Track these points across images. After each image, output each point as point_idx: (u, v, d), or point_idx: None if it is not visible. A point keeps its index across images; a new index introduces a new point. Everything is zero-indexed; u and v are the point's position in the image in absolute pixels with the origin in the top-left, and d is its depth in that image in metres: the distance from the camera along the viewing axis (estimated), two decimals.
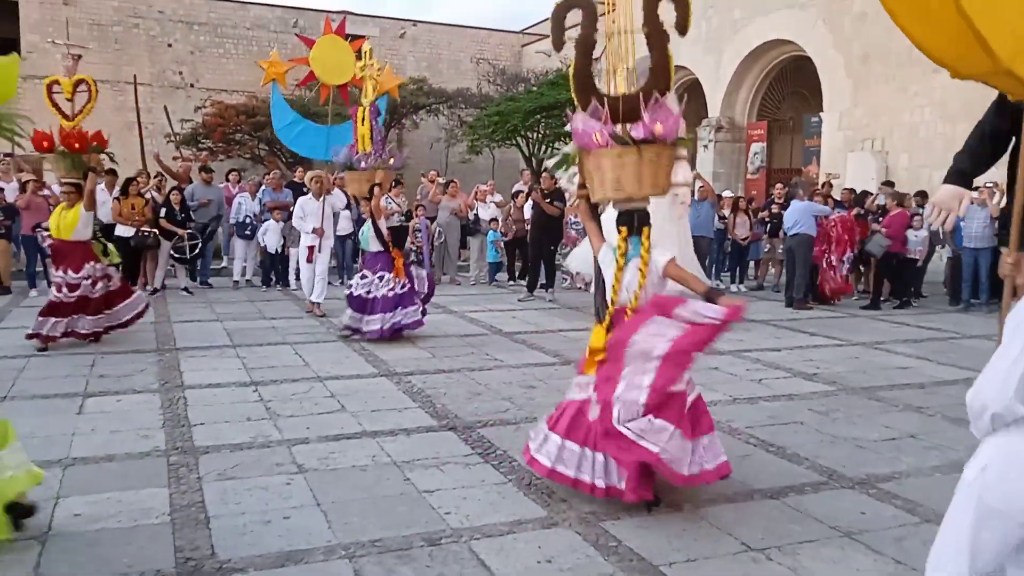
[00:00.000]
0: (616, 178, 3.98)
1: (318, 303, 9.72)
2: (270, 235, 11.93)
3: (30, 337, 7.44)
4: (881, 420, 5.65)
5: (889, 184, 13.35)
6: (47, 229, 8.12)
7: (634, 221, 4.08)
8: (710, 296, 4.01)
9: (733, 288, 12.96)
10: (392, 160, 8.49)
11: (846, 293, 11.95)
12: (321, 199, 9.75)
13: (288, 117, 9.27)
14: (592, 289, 4.45)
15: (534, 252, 11.79)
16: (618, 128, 3.94)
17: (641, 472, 3.76)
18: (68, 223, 7.52)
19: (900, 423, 5.58)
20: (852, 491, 4.28)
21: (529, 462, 4.13)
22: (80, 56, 8.05)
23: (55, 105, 7.64)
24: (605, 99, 4.02)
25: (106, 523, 3.66)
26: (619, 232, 4.11)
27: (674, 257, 4.18)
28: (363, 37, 10.02)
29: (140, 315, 8.08)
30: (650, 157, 3.93)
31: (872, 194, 13.15)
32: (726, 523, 3.80)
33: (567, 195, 12.89)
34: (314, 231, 9.66)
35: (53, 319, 7.44)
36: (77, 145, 7.42)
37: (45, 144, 7.40)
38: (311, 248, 9.73)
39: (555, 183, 11.77)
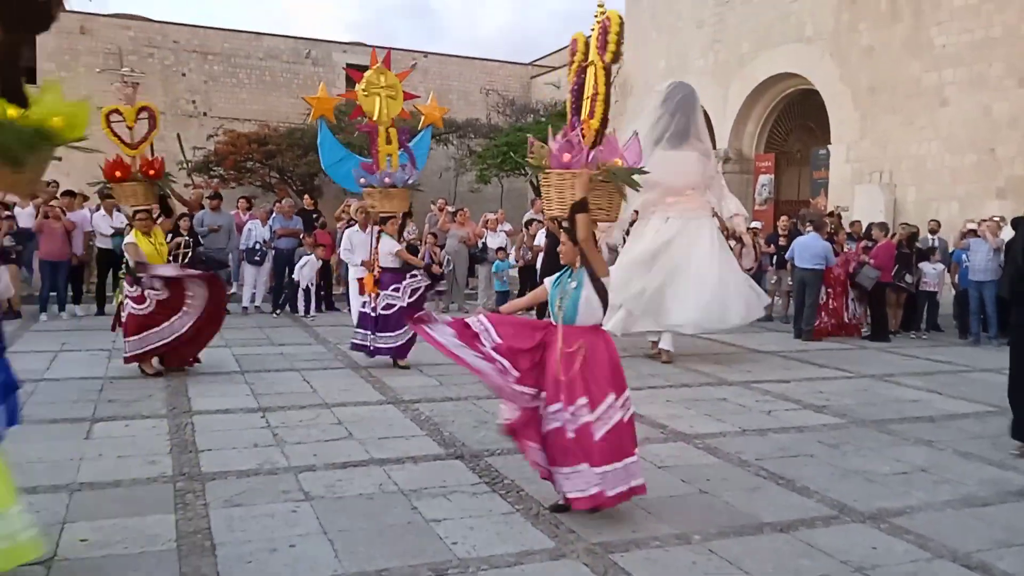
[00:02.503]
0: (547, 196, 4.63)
1: None
2: (307, 269, 11.99)
3: (128, 361, 7.45)
4: (891, 453, 5.60)
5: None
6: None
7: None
8: None
9: None
10: (387, 179, 8.41)
11: (852, 334, 11.78)
12: (368, 230, 9.36)
13: (339, 154, 9.13)
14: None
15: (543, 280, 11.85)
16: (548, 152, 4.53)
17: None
18: (164, 249, 7.83)
19: (911, 456, 5.53)
20: (863, 525, 4.23)
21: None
22: (138, 84, 8.20)
23: (115, 134, 7.82)
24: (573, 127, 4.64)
25: (112, 549, 3.65)
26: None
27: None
28: (410, 68, 9.95)
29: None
30: (555, 182, 4.46)
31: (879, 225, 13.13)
32: (735, 556, 3.76)
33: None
34: (363, 264, 9.24)
35: (145, 333, 7.41)
36: (152, 172, 7.67)
37: (118, 173, 7.64)
38: (361, 280, 9.53)
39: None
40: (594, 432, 4.04)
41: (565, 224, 4.41)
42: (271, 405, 6.46)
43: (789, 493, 4.70)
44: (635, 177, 4.47)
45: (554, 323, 4.31)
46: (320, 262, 12.17)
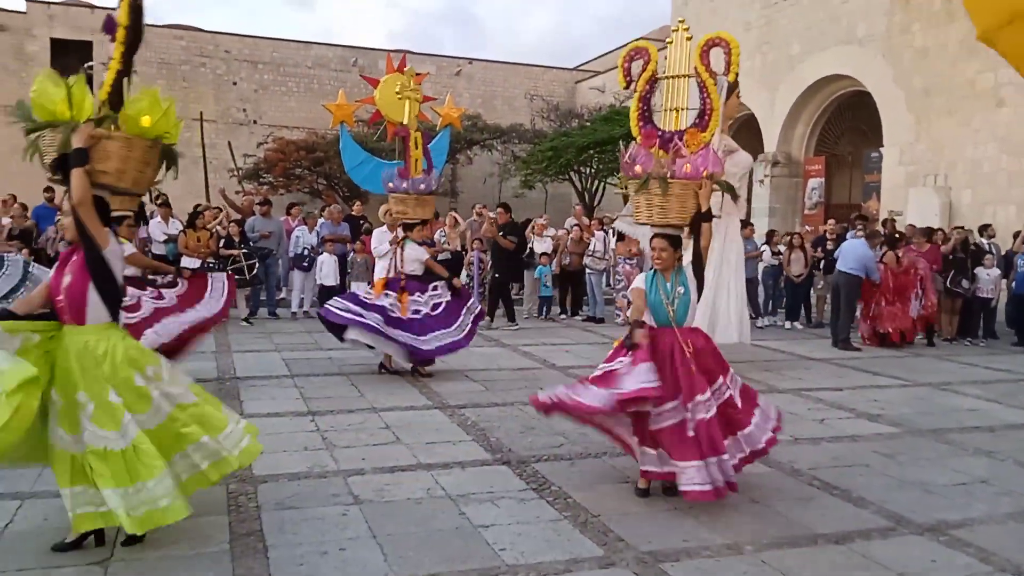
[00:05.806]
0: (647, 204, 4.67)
1: None
2: (325, 268, 12.17)
3: None
4: (950, 464, 5.45)
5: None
6: None
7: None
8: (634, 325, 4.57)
9: (787, 326, 12.68)
10: (423, 185, 8.41)
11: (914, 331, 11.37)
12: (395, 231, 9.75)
13: (359, 157, 9.36)
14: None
15: (494, 283, 12.52)
16: (662, 161, 4.62)
17: None
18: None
19: (970, 467, 5.38)
20: (921, 538, 4.12)
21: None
22: None
23: None
24: (658, 135, 4.74)
25: (167, 550, 3.72)
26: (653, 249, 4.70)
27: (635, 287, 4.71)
28: (425, 73, 10.13)
29: (224, 309, 7.30)
30: (676, 192, 4.56)
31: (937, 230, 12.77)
32: (789, 568, 3.68)
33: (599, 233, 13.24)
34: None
35: None
36: None
37: None
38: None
39: (509, 218, 12.42)
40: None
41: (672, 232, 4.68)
42: (320, 409, 6.53)
43: (844, 504, 4.60)
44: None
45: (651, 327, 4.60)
46: (336, 259, 12.29)
